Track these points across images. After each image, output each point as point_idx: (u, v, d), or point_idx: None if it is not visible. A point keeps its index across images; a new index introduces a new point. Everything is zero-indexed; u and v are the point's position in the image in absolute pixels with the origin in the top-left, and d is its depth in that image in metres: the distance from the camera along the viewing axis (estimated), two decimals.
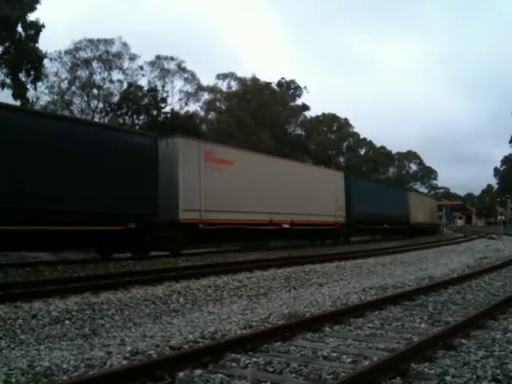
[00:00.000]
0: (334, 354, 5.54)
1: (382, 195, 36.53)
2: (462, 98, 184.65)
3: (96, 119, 39.93)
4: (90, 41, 40.94)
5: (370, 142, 78.34)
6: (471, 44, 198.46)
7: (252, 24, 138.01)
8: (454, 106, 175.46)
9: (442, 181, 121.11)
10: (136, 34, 76.44)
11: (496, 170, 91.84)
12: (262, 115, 49.34)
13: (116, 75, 42.65)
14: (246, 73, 59.29)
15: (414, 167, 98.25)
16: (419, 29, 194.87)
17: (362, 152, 77.97)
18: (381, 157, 79.14)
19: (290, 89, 61.04)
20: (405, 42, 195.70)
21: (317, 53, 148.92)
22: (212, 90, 49.81)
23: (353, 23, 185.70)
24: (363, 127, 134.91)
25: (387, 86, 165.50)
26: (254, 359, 5.33)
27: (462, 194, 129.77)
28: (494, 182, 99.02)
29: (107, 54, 41.51)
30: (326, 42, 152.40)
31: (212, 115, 50.92)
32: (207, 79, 59.24)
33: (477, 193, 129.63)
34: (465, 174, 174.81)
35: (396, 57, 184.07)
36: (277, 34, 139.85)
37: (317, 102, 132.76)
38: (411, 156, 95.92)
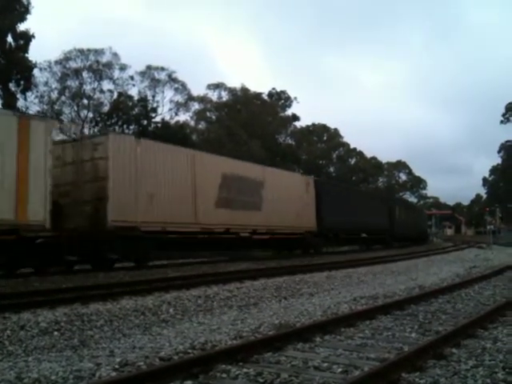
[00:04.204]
0: (325, 364, 5.52)
1: None
2: (442, 111, 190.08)
3: (86, 129, 39.93)
4: (80, 51, 40.99)
5: (360, 153, 78.81)
6: (447, 63, 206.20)
7: (237, 43, 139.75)
8: (435, 118, 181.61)
9: (432, 191, 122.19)
10: (126, 50, 76.89)
11: (485, 179, 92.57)
12: (252, 125, 49.48)
13: (106, 85, 42.77)
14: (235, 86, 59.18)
15: (403, 177, 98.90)
16: (399, 48, 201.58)
17: (352, 162, 78.36)
18: (371, 167, 79.57)
19: (280, 99, 61.34)
20: (386, 59, 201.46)
21: (301, 70, 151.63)
22: (202, 100, 49.97)
23: (333, 43, 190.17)
24: (352, 138, 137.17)
25: (372, 101, 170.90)
26: (245, 370, 5.30)
27: (452, 203, 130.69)
28: (482, 191, 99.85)
29: (97, 63, 41.55)
30: (309, 61, 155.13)
31: (202, 125, 51.06)
32: (198, 90, 59.36)
33: (466, 202, 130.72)
34: (453, 184, 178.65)
35: (379, 74, 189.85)
36: (264, 56, 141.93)
37: (306, 115, 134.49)
38: (400, 166, 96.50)
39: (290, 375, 5.10)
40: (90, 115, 42.37)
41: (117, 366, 5.54)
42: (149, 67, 44.09)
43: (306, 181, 28.74)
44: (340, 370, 5.33)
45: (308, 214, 27.72)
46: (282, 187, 25.33)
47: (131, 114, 42.24)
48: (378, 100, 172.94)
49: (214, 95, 52.36)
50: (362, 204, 34.86)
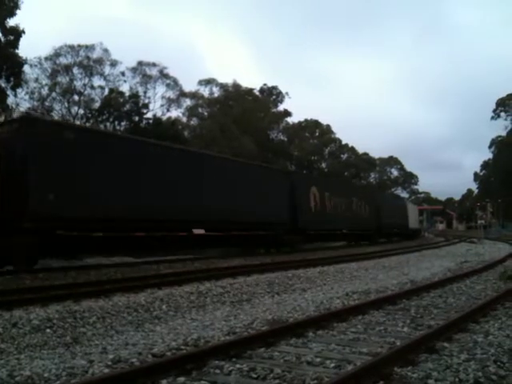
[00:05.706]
0: (318, 359, 5.53)
1: None
2: (429, 109, 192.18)
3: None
4: (71, 47, 40.82)
5: (352, 148, 78.96)
6: (435, 62, 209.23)
7: (225, 42, 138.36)
8: (423, 116, 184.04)
9: (423, 186, 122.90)
10: (113, 49, 76.37)
11: (476, 174, 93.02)
12: (244, 121, 49.41)
13: (97, 81, 42.61)
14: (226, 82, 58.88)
15: (395, 173, 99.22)
16: (387, 46, 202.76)
17: (344, 158, 78.48)
18: (363, 162, 79.75)
19: (271, 95, 61.34)
20: (376, 58, 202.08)
21: (289, 69, 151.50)
22: (194, 96, 49.84)
23: (322, 41, 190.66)
24: (344, 134, 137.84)
25: (361, 99, 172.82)
26: (238, 365, 5.30)
27: (443, 198, 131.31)
28: (473, 186, 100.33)
29: (88, 59, 41.33)
30: (297, 60, 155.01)
31: (194, 121, 50.93)
32: (188, 87, 59.30)
33: (457, 197, 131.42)
34: (444, 180, 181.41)
35: (367, 72, 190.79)
36: (252, 55, 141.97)
37: (297, 112, 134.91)
38: (392, 161, 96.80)
39: (283, 370, 5.12)
40: (81, 111, 42.21)
41: (109, 363, 5.53)
42: (140, 63, 43.98)
43: None
44: (333, 364, 5.35)
45: None
46: None
47: (122, 111, 42.07)
48: (367, 98, 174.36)
49: (205, 91, 52.31)
50: (212, 179, 20.45)
